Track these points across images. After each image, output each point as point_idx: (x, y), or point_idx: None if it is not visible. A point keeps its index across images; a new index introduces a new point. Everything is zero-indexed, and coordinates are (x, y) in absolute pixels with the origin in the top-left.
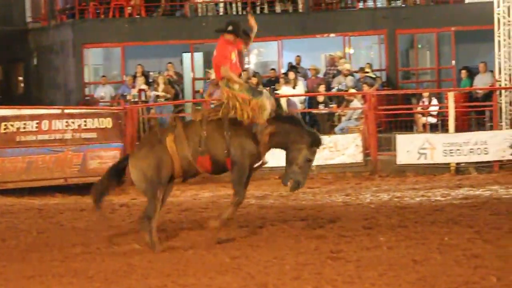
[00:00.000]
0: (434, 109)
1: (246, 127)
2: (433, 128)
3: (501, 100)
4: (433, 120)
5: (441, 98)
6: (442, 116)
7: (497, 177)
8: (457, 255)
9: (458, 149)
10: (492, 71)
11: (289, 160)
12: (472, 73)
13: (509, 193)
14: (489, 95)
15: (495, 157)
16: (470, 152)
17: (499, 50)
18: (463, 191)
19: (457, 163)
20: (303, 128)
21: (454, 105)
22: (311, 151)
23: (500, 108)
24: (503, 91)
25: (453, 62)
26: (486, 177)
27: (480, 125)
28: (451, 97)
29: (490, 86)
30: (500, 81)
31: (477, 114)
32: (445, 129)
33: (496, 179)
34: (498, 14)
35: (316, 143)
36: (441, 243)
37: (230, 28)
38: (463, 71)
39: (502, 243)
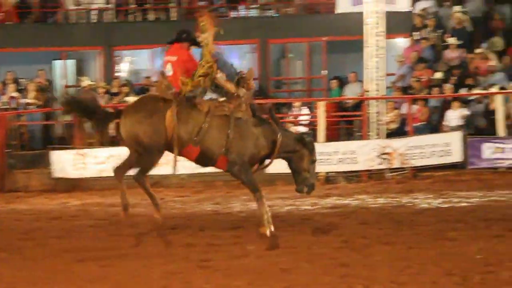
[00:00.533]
0: (304, 118)
1: (251, 128)
2: None
3: (370, 110)
4: (303, 129)
5: (311, 108)
6: (312, 125)
7: (366, 186)
8: (325, 264)
9: (327, 158)
10: (362, 81)
11: (296, 170)
12: (342, 83)
13: (377, 202)
14: (358, 105)
15: (364, 166)
16: (339, 161)
17: (369, 61)
18: (331, 200)
19: (327, 172)
20: (292, 133)
21: (325, 114)
22: (312, 153)
23: (369, 118)
24: (372, 101)
25: (324, 71)
26: (355, 187)
27: (350, 135)
28: (321, 106)
29: (360, 96)
30: (369, 91)
31: (346, 124)
32: (315, 138)
33: (365, 189)
34: (368, 24)
35: (311, 143)
36: (309, 252)
37: (184, 36)
38: (334, 81)
39: (369, 252)
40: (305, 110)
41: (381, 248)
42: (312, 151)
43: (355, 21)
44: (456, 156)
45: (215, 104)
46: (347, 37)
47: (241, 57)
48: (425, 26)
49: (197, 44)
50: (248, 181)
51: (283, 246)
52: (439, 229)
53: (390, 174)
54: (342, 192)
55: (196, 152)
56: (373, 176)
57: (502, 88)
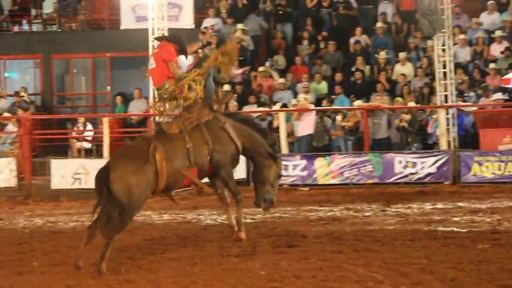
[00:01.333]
0: (89, 134)
1: (222, 128)
2: (88, 153)
3: (155, 126)
4: (87, 145)
5: (96, 124)
6: (97, 141)
7: (151, 202)
8: (109, 280)
9: None
10: (146, 97)
11: (261, 180)
12: (127, 99)
13: (162, 218)
14: (143, 121)
15: None
16: None
17: None
18: None
19: None
20: (265, 137)
21: (109, 130)
22: (279, 166)
23: None
24: (157, 117)
25: (109, 87)
26: None
27: None
28: (106, 122)
29: (145, 112)
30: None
31: (131, 140)
32: (99, 154)
33: (150, 205)
34: (153, 41)
35: (276, 154)
36: (94, 268)
37: (174, 38)
38: (118, 97)
39: (154, 268)
40: (90, 126)
41: (166, 264)
42: (280, 165)
43: (139, 38)
44: (240, 173)
45: (181, 121)
46: (131, 53)
47: (24, 72)
48: (208, 44)
49: (184, 53)
50: (231, 182)
51: (68, 262)
52: (224, 246)
53: (175, 190)
54: None
55: (194, 172)
56: None
57: (284, 106)
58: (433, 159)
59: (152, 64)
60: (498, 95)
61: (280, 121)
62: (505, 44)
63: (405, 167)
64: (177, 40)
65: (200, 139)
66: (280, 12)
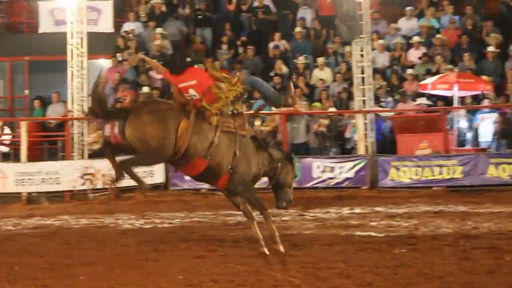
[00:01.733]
0: (6, 138)
1: (254, 148)
2: (5, 157)
3: (73, 130)
4: (5, 149)
5: (14, 127)
6: (14, 145)
7: (68, 207)
8: (26, 285)
9: (30, 179)
10: (65, 101)
11: (280, 185)
12: (45, 103)
13: (80, 223)
14: (61, 125)
15: (67, 187)
16: (42, 181)
17: (72, 81)
18: (34, 220)
19: (29, 193)
20: (279, 149)
21: (27, 134)
22: (295, 169)
23: (73, 138)
24: (75, 121)
25: (27, 91)
26: (57, 207)
27: (53, 155)
28: (23, 126)
29: (63, 116)
30: (72, 111)
31: (49, 144)
32: (17, 158)
33: (67, 209)
34: (72, 45)
35: (292, 157)
36: (10, 273)
37: (190, 60)
38: (36, 101)
39: (71, 272)
40: (7, 130)
41: (84, 268)
42: (294, 166)
43: (58, 41)
44: (158, 177)
45: (222, 120)
46: (50, 57)
47: None
48: (127, 48)
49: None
50: (255, 200)
51: None
52: (141, 250)
53: (93, 194)
54: (45, 213)
55: (203, 166)
56: (76, 196)
57: None
58: (351, 164)
59: (194, 95)
60: (422, 100)
61: None
62: (423, 49)
63: (323, 171)
64: (193, 59)
65: (227, 145)
66: (200, 17)
